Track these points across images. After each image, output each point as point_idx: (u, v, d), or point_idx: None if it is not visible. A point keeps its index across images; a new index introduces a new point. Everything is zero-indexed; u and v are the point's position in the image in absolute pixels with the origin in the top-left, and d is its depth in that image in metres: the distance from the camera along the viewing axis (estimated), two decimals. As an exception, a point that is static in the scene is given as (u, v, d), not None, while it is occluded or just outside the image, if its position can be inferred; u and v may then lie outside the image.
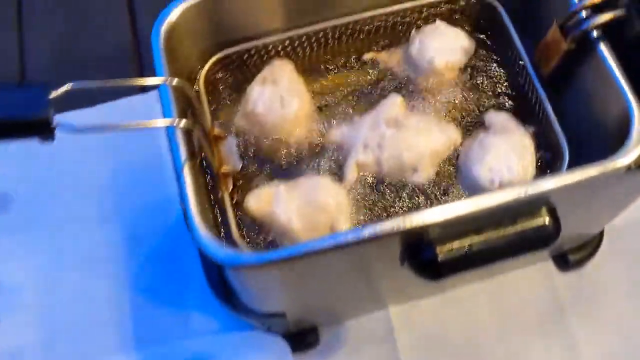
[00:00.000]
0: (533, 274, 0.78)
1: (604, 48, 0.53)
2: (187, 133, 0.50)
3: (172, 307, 0.76)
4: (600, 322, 0.75)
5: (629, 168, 0.50)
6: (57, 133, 0.44)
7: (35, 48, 0.91)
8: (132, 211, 0.81)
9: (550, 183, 0.49)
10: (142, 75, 0.89)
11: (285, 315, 0.63)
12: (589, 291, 0.77)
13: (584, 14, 0.53)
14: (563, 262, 0.78)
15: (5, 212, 0.81)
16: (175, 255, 0.78)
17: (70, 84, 0.44)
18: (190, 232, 0.47)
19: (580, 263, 0.78)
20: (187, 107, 0.53)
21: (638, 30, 0.51)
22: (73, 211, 0.81)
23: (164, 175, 0.81)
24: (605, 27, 0.53)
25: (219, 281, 0.65)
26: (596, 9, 0.53)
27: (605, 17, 0.52)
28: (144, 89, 0.86)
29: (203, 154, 0.53)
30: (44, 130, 0.43)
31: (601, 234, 0.78)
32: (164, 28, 0.53)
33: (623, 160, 0.49)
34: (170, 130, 0.49)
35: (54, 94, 0.43)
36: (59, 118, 0.44)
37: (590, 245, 0.78)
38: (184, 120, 0.47)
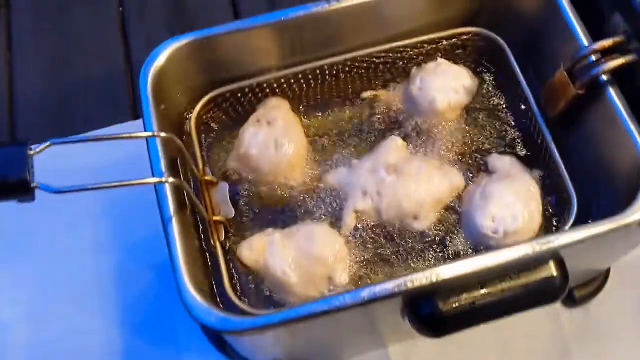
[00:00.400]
0: (539, 311, 0.75)
1: (614, 93, 0.51)
2: (176, 189, 0.47)
3: (163, 346, 0.74)
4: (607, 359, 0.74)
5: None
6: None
7: (26, 72, 0.89)
8: (125, 245, 0.78)
9: (558, 240, 0.47)
10: (135, 100, 0.87)
11: (281, 361, 0.60)
12: (596, 328, 0.75)
13: (593, 58, 0.51)
14: (569, 298, 0.75)
15: (-4, 241, 0.79)
16: (169, 292, 0.76)
17: (49, 142, 0.42)
18: (178, 293, 0.45)
19: (586, 299, 0.76)
20: (177, 154, 0.51)
21: (649, 79, 0.49)
22: (64, 244, 0.79)
23: (157, 207, 0.79)
24: (616, 72, 0.50)
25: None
26: (605, 53, 0.50)
27: (616, 62, 0.49)
28: (137, 116, 0.85)
29: (192, 205, 0.51)
30: (23, 191, 0.40)
31: (608, 271, 0.76)
32: (151, 74, 0.51)
33: (635, 217, 0.47)
34: (159, 186, 0.47)
35: (33, 152, 0.41)
36: (40, 174, 0.42)
37: (597, 282, 0.75)
38: (171, 179, 0.45)
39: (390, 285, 0.44)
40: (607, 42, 0.50)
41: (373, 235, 0.55)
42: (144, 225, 0.79)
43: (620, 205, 0.49)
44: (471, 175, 0.57)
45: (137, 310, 0.75)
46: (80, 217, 0.81)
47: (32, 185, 0.40)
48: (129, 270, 0.78)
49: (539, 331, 0.75)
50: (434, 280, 0.45)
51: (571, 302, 0.75)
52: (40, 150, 0.42)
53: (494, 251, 0.46)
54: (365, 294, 0.44)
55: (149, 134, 0.46)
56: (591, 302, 0.76)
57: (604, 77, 0.51)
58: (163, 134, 0.46)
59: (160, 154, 0.47)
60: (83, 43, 0.91)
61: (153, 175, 0.46)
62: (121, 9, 0.93)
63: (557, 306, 0.76)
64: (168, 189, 0.47)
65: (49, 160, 0.48)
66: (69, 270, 0.78)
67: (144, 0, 0.94)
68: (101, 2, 0.94)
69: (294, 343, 0.57)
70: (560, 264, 0.51)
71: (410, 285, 0.45)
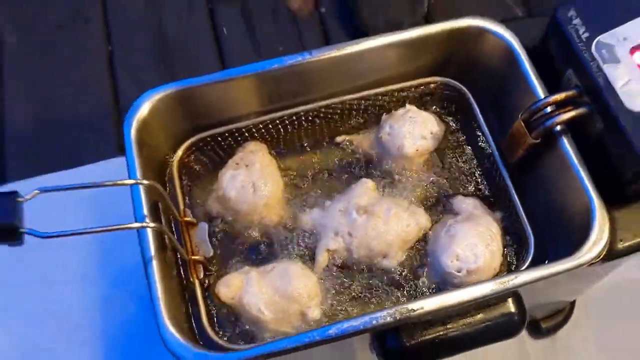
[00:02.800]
0: (508, 341, 0.78)
1: (567, 143, 0.54)
2: (158, 232, 0.51)
3: (147, 374, 0.76)
4: (571, 390, 0.77)
5: (591, 264, 0.51)
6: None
7: (16, 107, 0.92)
8: (110, 277, 0.81)
9: (514, 281, 0.50)
10: (120, 135, 0.90)
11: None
12: (562, 358, 0.79)
13: (548, 109, 0.54)
14: (536, 329, 0.79)
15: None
16: (152, 321, 0.78)
17: (37, 191, 0.44)
18: (158, 331, 0.48)
19: (553, 331, 0.79)
20: (159, 197, 0.54)
21: (599, 129, 0.53)
22: (51, 276, 0.82)
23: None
24: (568, 123, 0.54)
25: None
26: (559, 105, 0.54)
27: (568, 115, 0.53)
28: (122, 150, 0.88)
29: (172, 245, 0.54)
30: (13, 237, 0.43)
31: (573, 303, 0.80)
32: (134, 124, 0.54)
33: (586, 257, 0.51)
34: (141, 230, 0.50)
35: (22, 198, 0.44)
36: (28, 213, 0.45)
37: (563, 314, 0.79)
38: (152, 224, 0.48)
39: (356, 323, 0.48)
40: (560, 96, 0.54)
41: (344, 273, 0.58)
42: (128, 257, 0.82)
43: (573, 246, 0.52)
44: (437, 215, 0.61)
45: (122, 338, 0.78)
46: (67, 249, 0.83)
47: (20, 231, 0.43)
48: (114, 301, 0.80)
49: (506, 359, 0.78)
50: (398, 317, 0.48)
51: (538, 333, 0.79)
52: (29, 198, 0.45)
53: (455, 290, 0.50)
54: (333, 331, 0.47)
55: (132, 181, 0.49)
56: (557, 333, 0.80)
57: (558, 128, 0.55)
58: (145, 182, 0.49)
59: (143, 199, 0.50)
60: (72, 79, 0.95)
61: (136, 220, 0.49)
62: (109, 48, 0.97)
63: (525, 337, 0.79)
64: (149, 232, 0.50)
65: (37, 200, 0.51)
66: (56, 302, 0.80)
67: (131, 38, 0.97)
68: (90, 40, 0.97)
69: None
70: (518, 301, 0.54)
71: (375, 322, 0.48)
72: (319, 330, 0.47)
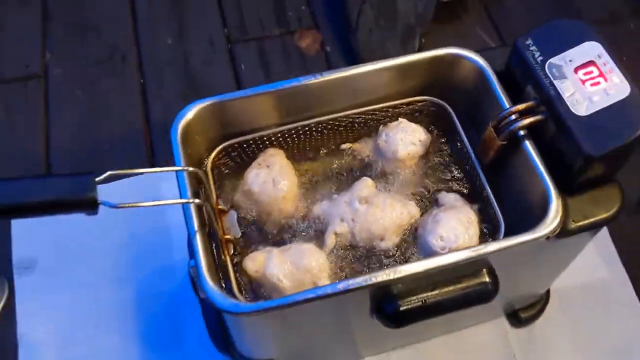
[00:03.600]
0: (490, 330, 0.90)
1: (528, 144, 0.67)
2: (198, 208, 0.63)
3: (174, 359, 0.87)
4: (548, 373, 0.87)
5: (547, 237, 0.63)
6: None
7: (60, 131, 1.05)
8: (142, 275, 0.93)
9: (486, 249, 0.62)
10: (153, 155, 1.03)
11: (274, 362, 0.74)
12: (539, 346, 0.89)
13: (512, 117, 0.68)
14: (515, 319, 0.90)
15: (30, 274, 0.93)
16: (179, 314, 0.90)
17: (110, 172, 0.57)
18: (200, 287, 0.59)
19: (530, 320, 0.90)
20: (198, 186, 0.66)
21: (552, 133, 0.66)
22: (90, 274, 0.93)
23: (170, 245, 0.94)
24: (529, 128, 0.67)
25: (219, 333, 0.77)
26: (522, 114, 0.68)
27: (527, 120, 0.66)
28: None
29: (209, 225, 0.66)
30: (91, 207, 0.55)
31: (548, 296, 0.91)
32: (180, 125, 0.67)
33: (543, 231, 0.63)
34: (186, 207, 0.62)
35: (97, 179, 0.56)
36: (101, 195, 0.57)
37: (538, 305, 0.90)
38: (196, 200, 0.61)
39: (359, 280, 0.59)
40: (521, 106, 0.67)
41: (348, 252, 0.70)
42: (158, 259, 0.94)
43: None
44: (425, 207, 0.73)
45: (153, 330, 0.89)
46: (102, 252, 0.95)
47: (97, 202, 0.56)
48: (144, 296, 0.91)
49: (490, 346, 0.89)
50: (392, 277, 0.60)
51: (517, 322, 0.90)
52: (103, 178, 0.57)
53: (439, 256, 0.62)
54: (341, 285, 0.59)
55: (180, 168, 0.61)
56: (535, 323, 0.91)
57: (521, 132, 0.67)
58: (190, 168, 0.61)
59: (187, 183, 0.63)
60: (109, 107, 1.08)
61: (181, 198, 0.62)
62: (142, 80, 1.11)
63: (506, 326, 0.90)
64: (193, 210, 0.62)
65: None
66: (93, 298, 0.91)
67: (161, 72, 1.12)
68: (125, 73, 1.11)
69: (285, 340, 0.71)
70: (492, 272, 0.66)
71: (374, 279, 0.60)
72: (330, 285, 0.59)
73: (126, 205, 0.57)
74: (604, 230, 0.95)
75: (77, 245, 0.95)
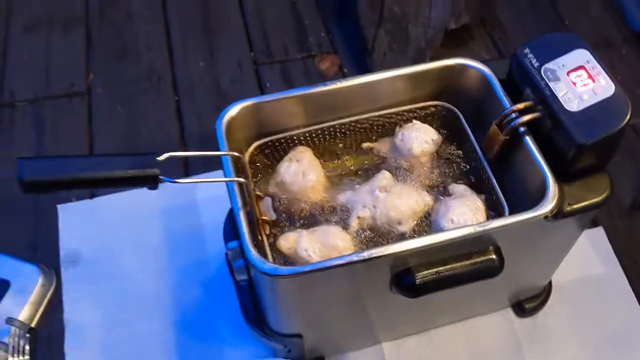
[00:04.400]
0: (497, 319, 0.98)
1: (528, 138, 0.76)
2: (240, 188, 0.72)
3: (209, 342, 0.95)
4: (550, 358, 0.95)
5: (546, 217, 0.72)
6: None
7: (102, 143, 1.16)
8: (179, 267, 1.01)
9: (490, 224, 0.71)
10: (187, 164, 1.13)
11: (302, 337, 0.82)
12: (542, 334, 0.97)
13: (513, 115, 0.77)
14: (520, 309, 0.98)
15: (76, 266, 1.02)
16: (213, 302, 0.98)
17: (170, 153, 0.67)
18: (243, 254, 0.68)
19: (534, 311, 0.98)
20: (238, 173, 0.76)
21: (549, 128, 0.75)
22: (131, 266, 1.02)
23: (204, 240, 1.03)
24: (529, 124, 0.77)
25: (252, 313, 0.85)
26: (522, 112, 0.77)
27: (526, 117, 0.76)
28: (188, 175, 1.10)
29: (249, 207, 0.75)
30: (154, 182, 0.65)
31: (550, 288, 0.99)
32: (224, 120, 0.77)
33: (542, 210, 0.72)
34: (230, 186, 0.71)
35: (159, 158, 0.66)
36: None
37: (541, 297, 0.98)
38: (241, 179, 0.70)
39: (381, 249, 0.68)
40: (521, 105, 0.77)
41: (370, 234, 0.79)
42: (193, 253, 1.03)
43: (535, 210, 0.73)
44: (437, 196, 0.82)
45: (189, 315, 0.97)
46: (142, 247, 1.04)
47: (159, 178, 0.65)
48: (182, 286, 1.00)
49: (497, 334, 0.97)
50: (408, 247, 0.69)
51: (522, 312, 0.98)
52: (163, 159, 0.66)
53: (450, 230, 0.71)
54: (365, 253, 0.68)
55: (227, 152, 0.71)
56: (538, 314, 0.98)
57: (521, 128, 0.77)
58: (235, 153, 0.71)
59: (231, 167, 0.72)
60: (147, 122, 1.18)
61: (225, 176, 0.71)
62: (176, 97, 1.22)
63: (512, 316, 0.98)
64: (236, 189, 0.71)
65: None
66: (135, 286, 1.00)
67: (193, 90, 1.23)
68: (161, 91, 1.22)
69: (312, 313, 0.79)
70: (497, 250, 0.75)
71: (393, 249, 0.68)
72: (356, 254, 0.68)
73: (182, 181, 0.67)
74: (601, 230, 1.04)
75: (119, 240, 1.04)
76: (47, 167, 0.60)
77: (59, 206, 1.06)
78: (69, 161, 0.62)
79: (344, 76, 1.24)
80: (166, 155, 0.66)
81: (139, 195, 1.07)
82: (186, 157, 1.13)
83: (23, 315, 0.95)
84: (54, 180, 0.59)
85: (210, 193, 1.06)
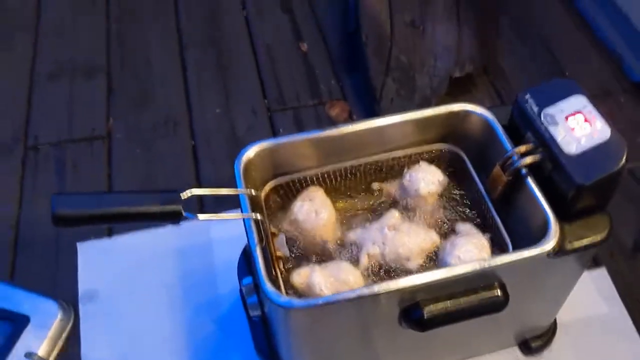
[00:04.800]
0: (504, 357, 1.00)
1: (530, 180, 0.80)
2: (256, 224, 0.76)
3: (222, 377, 0.97)
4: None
5: (548, 254, 0.75)
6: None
7: (121, 185, 1.20)
8: (193, 305, 1.04)
9: (495, 261, 0.74)
10: (202, 207, 1.17)
11: (313, 371, 0.85)
12: (548, 373, 0.99)
13: (515, 157, 0.81)
14: (526, 348, 1.00)
15: (93, 302, 1.05)
16: (227, 338, 1.01)
17: (192, 189, 0.71)
18: (258, 288, 0.72)
19: (539, 349, 1.00)
20: (254, 211, 0.80)
21: (549, 169, 0.79)
22: (146, 304, 1.05)
23: (216, 279, 1.07)
24: (530, 166, 0.81)
25: (265, 347, 0.88)
26: (523, 154, 0.81)
27: (528, 160, 0.80)
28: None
29: (264, 243, 0.79)
30: (177, 217, 0.69)
31: (555, 327, 1.01)
32: (242, 160, 0.81)
33: (544, 247, 0.75)
34: (247, 222, 0.75)
35: (182, 195, 0.70)
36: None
37: (547, 335, 1.01)
38: (258, 216, 0.74)
39: (391, 283, 0.71)
40: (523, 147, 0.81)
41: (379, 271, 0.82)
42: (207, 291, 1.06)
43: (538, 248, 0.77)
44: (444, 235, 0.86)
45: (203, 351, 1.00)
46: (157, 286, 1.08)
47: (182, 214, 0.69)
48: (196, 323, 1.03)
49: (504, 373, 0.99)
50: (416, 282, 0.72)
51: (528, 350, 1.00)
52: (187, 196, 0.71)
53: (455, 266, 0.74)
54: (376, 288, 0.71)
55: (244, 190, 0.75)
56: (543, 352, 1.00)
57: (524, 170, 0.81)
58: (253, 191, 0.75)
59: (248, 205, 0.77)
60: (164, 165, 1.23)
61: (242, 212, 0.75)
62: (193, 142, 1.27)
63: (518, 354, 1.00)
64: (253, 225, 0.75)
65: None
66: (150, 323, 1.03)
67: (209, 136, 1.28)
68: (178, 136, 1.28)
69: (324, 342, 0.82)
70: (502, 286, 0.78)
71: (402, 283, 0.72)
72: (367, 287, 0.71)
73: (203, 217, 0.71)
74: (604, 271, 1.07)
75: (135, 278, 1.07)
76: (79, 202, 0.64)
77: (78, 244, 1.10)
78: (98, 197, 0.67)
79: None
80: (189, 193, 0.71)
81: (155, 235, 1.11)
82: (202, 198, 1.18)
83: (42, 349, 0.97)
84: (84, 214, 0.63)
85: (223, 234, 1.10)
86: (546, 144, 0.79)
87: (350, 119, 1.30)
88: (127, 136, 1.27)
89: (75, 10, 1.53)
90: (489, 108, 0.89)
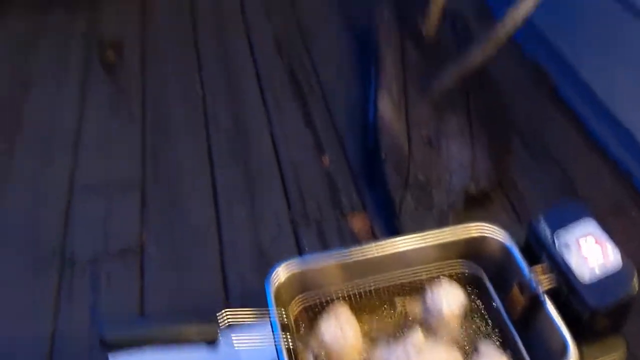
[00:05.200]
0: None
1: (548, 304, 0.84)
2: (287, 349, 0.81)
3: None
4: None
5: (568, 379, 0.78)
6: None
7: (152, 295, 1.24)
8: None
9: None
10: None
11: None
12: None
13: (533, 282, 0.86)
14: None
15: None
16: None
17: (228, 316, 0.76)
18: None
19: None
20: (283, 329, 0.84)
21: (566, 295, 0.83)
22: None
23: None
24: (547, 291, 0.85)
25: None
26: (540, 276, 0.86)
27: (546, 287, 0.85)
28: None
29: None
30: (215, 342, 0.74)
31: None
32: (273, 283, 0.87)
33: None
34: (278, 348, 0.80)
35: (220, 322, 0.75)
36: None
37: None
38: (290, 344, 0.79)
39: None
40: (539, 268, 0.86)
41: (404, 390, 0.85)
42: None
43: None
44: (466, 354, 0.89)
45: None
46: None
47: (219, 339, 0.74)
48: None
49: None
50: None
51: None
52: (224, 325, 0.76)
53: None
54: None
55: (275, 317, 0.80)
56: None
57: (542, 296, 0.85)
58: (285, 319, 0.80)
59: (279, 325, 0.81)
60: (193, 277, 1.28)
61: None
62: (221, 255, 1.33)
63: None
64: (283, 347, 0.80)
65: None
66: None
67: (236, 248, 1.33)
68: (208, 247, 1.34)
69: None
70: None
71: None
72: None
73: (239, 345, 0.76)
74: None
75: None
76: (126, 327, 0.69)
77: (110, 356, 1.13)
78: (144, 321, 0.72)
79: (375, 237, 1.34)
80: (226, 320, 0.76)
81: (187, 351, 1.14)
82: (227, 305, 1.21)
83: None
84: (132, 339, 0.68)
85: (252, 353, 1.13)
86: (562, 271, 0.83)
87: (372, 234, 1.35)
88: (159, 249, 1.33)
89: (114, 122, 1.64)
90: (506, 230, 0.94)
